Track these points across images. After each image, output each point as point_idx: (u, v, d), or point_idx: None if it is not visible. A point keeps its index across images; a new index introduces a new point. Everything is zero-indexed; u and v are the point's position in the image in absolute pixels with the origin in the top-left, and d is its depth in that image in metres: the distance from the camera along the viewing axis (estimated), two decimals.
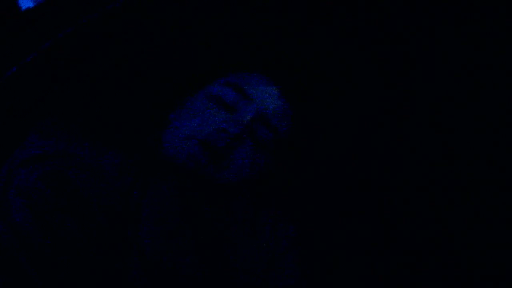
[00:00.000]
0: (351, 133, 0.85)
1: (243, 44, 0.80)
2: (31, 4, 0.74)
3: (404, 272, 0.81)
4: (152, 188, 0.62)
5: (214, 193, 0.68)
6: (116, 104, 0.78)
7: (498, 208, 0.77)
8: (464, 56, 0.80)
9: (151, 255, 0.58)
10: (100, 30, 0.73)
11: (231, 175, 0.65)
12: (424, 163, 0.83)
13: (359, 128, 0.85)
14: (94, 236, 0.55)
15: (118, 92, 0.78)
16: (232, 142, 0.63)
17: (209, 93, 0.68)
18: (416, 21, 0.82)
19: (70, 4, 0.71)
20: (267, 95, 0.68)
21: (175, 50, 0.80)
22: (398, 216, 0.83)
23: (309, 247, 0.75)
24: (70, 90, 0.75)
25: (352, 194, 0.84)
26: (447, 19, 0.80)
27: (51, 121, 0.64)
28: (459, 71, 0.80)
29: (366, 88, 0.85)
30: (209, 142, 0.62)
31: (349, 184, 0.83)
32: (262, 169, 0.70)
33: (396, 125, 0.84)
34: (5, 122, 0.70)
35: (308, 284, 0.69)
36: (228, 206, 0.68)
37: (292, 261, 0.69)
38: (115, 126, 0.74)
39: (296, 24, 0.81)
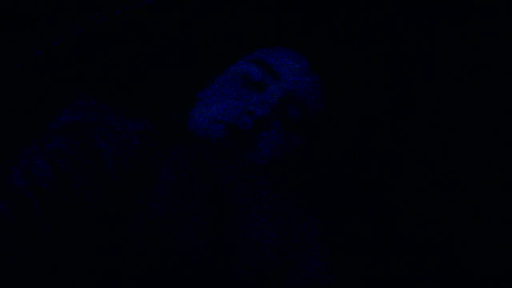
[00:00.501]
0: (350, 133, 0.85)
1: (270, 19, 0.78)
2: None
3: (404, 272, 0.81)
4: (172, 156, 0.64)
5: (237, 171, 0.65)
6: (145, 79, 0.79)
7: (498, 208, 0.77)
8: (464, 56, 0.80)
9: (158, 224, 0.60)
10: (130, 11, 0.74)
11: (259, 157, 0.63)
12: (424, 163, 0.83)
13: (359, 128, 0.85)
14: (108, 197, 0.59)
15: (147, 67, 0.79)
16: (260, 124, 0.61)
17: (235, 71, 0.66)
18: (416, 21, 0.82)
19: None
20: (296, 71, 0.65)
21: (203, 26, 0.79)
22: (398, 216, 0.83)
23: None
24: (101, 66, 0.77)
25: (352, 194, 0.84)
26: (447, 19, 0.80)
27: (82, 95, 0.66)
28: (459, 71, 0.80)
29: (366, 88, 0.85)
30: (236, 125, 0.60)
31: (349, 184, 0.83)
32: (292, 151, 0.67)
33: (396, 125, 0.84)
34: (36, 99, 0.72)
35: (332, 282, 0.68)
36: (251, 185, 0.66)
37: (317, 256, 0.67)
38: (144, 99, 0.75)
39: (296, 23, 0.81)
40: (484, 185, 0.78)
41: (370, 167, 0.85)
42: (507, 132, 0.77)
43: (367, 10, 0.82)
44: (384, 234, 0.82)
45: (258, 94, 0.64)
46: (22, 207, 0.56)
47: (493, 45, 0.78)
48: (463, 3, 0.79)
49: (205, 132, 0.61)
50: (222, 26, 0.79)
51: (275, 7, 0.79)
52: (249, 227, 0.65)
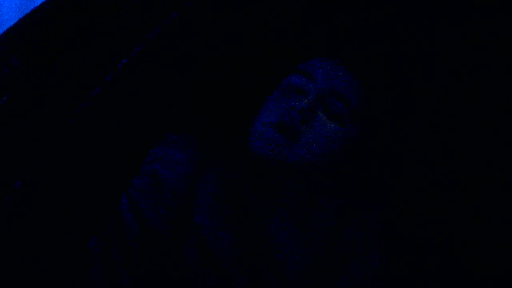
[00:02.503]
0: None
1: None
2: None
3: (404, 272, 0.81)
4: (206, 177, 0.72)
5: (263, 181, 0.71)
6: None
7: (498, 208, 0.77)
8: (464, 56, 0.80)
9: (204, 238, 0.67)
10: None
11: (306, 150, 0.68)
12: (424, 163, 0.83)
13: (359, 128, 0.84)
14: (170, 220, 0.69)
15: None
16: (305, 116, 0.68)
17: (281, 84, 0.74)
18: (416, 21, 0.82)
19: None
20: (330, 71, 0.72)
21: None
22: (398, 216, 0.83)
23: None
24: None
25: (351, 194, 0.83)
26: (447, 19, 0.80)
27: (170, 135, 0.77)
28: (459, 71, 0.80)
29: (366, 88, 0.85)
30: (281, 122, 0.68)
31: (349, 184, 0.83)
32: (339, 143, 0.71)
33: (396, 125, 0.84)
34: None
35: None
36: (278, 193, 0.71)
37: (375, 252, 0.71)
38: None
39: (296, 24, 0.81)
40: (484, 185, 0.78)
41: (370, 167, 0.85)
42: (507, 132, 0.77)
43: (367, 10, 0.82)
44: (384, 234, 0.82)
45: (300, 95, 0.71)
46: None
47: (493, 45, 0.78)
48: (463, 3, 0.79)
49: (258, 139, 0.68)
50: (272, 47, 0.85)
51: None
52: (273, 236, 0.70)
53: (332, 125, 0.70)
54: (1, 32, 0.71)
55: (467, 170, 0.80)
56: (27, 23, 0.71)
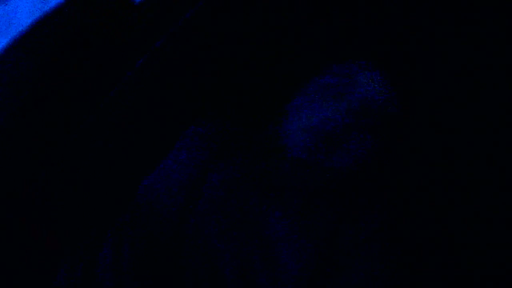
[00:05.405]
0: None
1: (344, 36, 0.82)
2: None
3: (404, 272, 0.81)
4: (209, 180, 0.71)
5: (267, 179, 0.71)
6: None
7: (498, 208, 0.77)
8: (464, 56, 0.80)
9: (202, 239, 0.67)
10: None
11: (343, 159, 0.69)
12: (424, 163, 0.83)
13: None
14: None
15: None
16: (342, 130, 0.68)
17: (319, 83, 0.72)
18: (416, 21, 0.82)
19: None
20: (370, 80, 0.72)
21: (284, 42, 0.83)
22: (398, 216, 0.83)
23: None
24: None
25: (352, 194, 0.84)
26: (447, 19, 0.80)
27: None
28: (459, 71, 0.80)
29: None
30: (322, 133, 0.67)
31: (346, 185, 0.83)
32: (374, 154, 0.72)
33: (396, 125, 0.84)
34: None
35: None
36: (279, 193, 0.71)
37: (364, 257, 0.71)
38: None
39: (296, 24, 0.82)
40: (484, 185, 0.78)
41: (371, 167, 0.85)
42: (507, 132, 0.77)
43: (367, 10, 0.82)
44: (384, 234, 0.82)
45: (339, 102, 0.70)
46: None
47: (493, 45, 0.77)
48: (463, 3, 0.79)
49: (294, 142, 0.67)
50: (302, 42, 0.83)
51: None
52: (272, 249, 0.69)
53: (367, 137, 0.70)
54: (15, 34, 0.71)
55: (467, 170, 0.80)
56: (43, 28, 0.72)
